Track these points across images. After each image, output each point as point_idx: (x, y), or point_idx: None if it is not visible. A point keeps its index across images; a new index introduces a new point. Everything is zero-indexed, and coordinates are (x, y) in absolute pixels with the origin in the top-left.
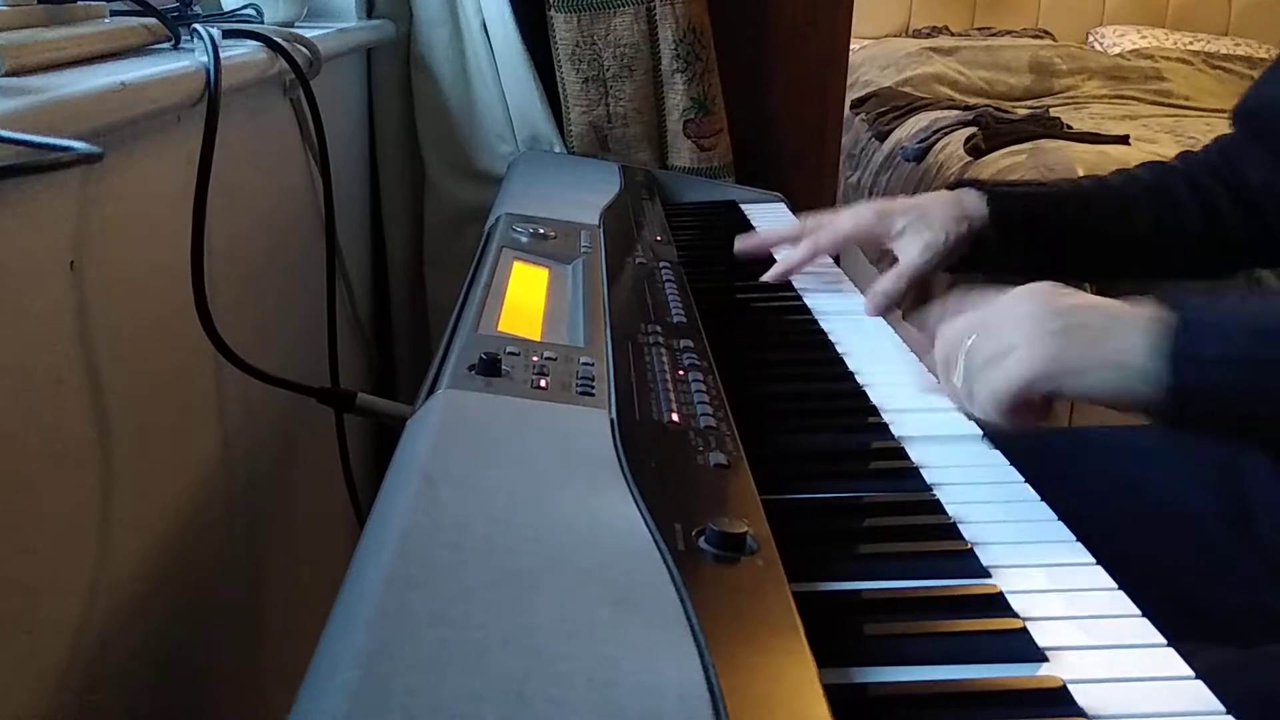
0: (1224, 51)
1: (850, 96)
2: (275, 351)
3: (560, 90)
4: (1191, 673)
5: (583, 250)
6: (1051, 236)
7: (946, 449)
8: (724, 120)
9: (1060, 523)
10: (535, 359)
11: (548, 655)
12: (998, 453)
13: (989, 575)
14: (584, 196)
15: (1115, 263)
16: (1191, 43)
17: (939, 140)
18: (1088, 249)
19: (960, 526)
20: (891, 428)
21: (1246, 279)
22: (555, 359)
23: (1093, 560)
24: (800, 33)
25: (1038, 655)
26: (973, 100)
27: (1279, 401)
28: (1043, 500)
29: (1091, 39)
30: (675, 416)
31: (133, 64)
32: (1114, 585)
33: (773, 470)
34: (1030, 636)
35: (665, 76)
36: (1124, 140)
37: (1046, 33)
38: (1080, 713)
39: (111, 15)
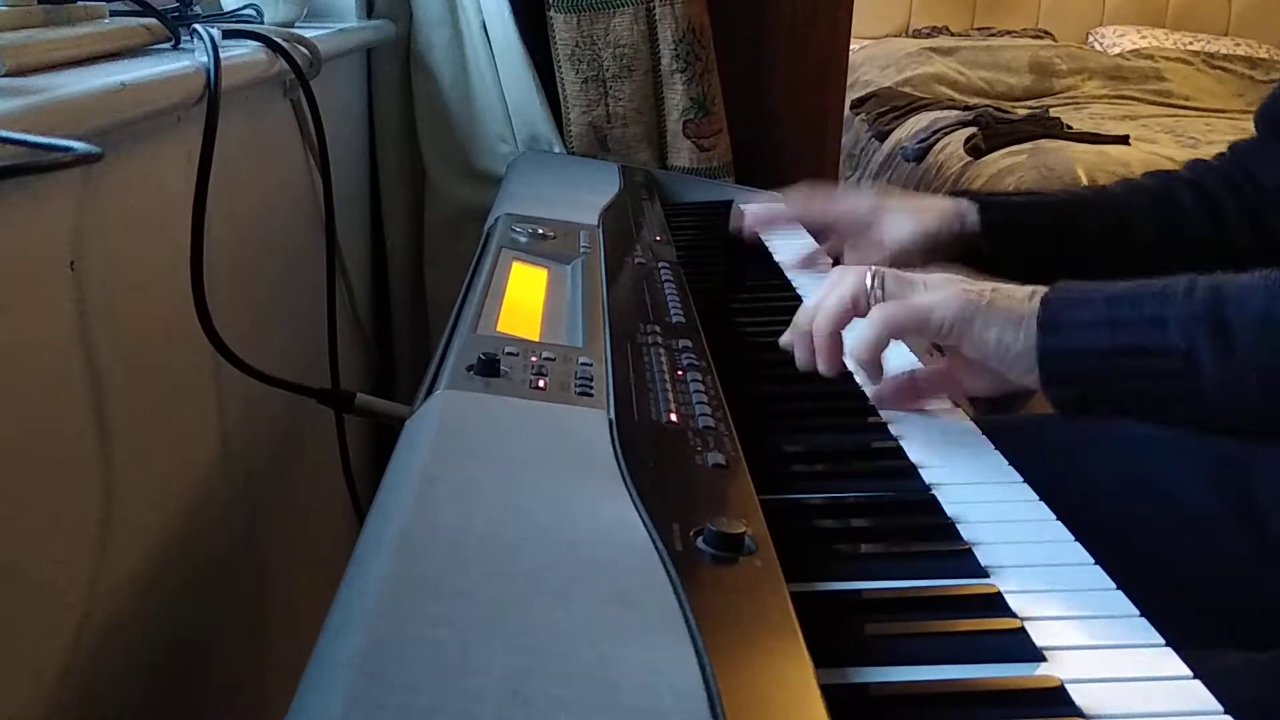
0: (1224, 51)
1: (850, 96)
2: (275, 351)
3: (560, 90)
4: (1189, 673)
5: (582, 250)
6: (1044, 244)
7: (945, 449)
8: (724, 120)
9: (1059, 522)
10: (534, 359)
11: (546, 655)
12: (997, 453)
13: (987, 575)
14: (583, 197)
15: (1113, 270)
16: (1191, 43)
17: (939, 140)
18: (1084, 259)
19: (958, 526)
20: (890, 427)
21: None
22: (554, 359)
23: (1091, 560)
24: (800, 33)
25: (1036, 655)
26: (973, 100)
27: (1139, 369)
28: (1042, 497)
29: (1091, 39)
30: (674, 417)
31: (133, 64)
32: (1112, 585)
33: (771, 470)
34: (1028, 636)
35: (665, 76)
36: (1124, 140)
37: (1046, 33)
38: (1078, 712)
39: (111, 15)
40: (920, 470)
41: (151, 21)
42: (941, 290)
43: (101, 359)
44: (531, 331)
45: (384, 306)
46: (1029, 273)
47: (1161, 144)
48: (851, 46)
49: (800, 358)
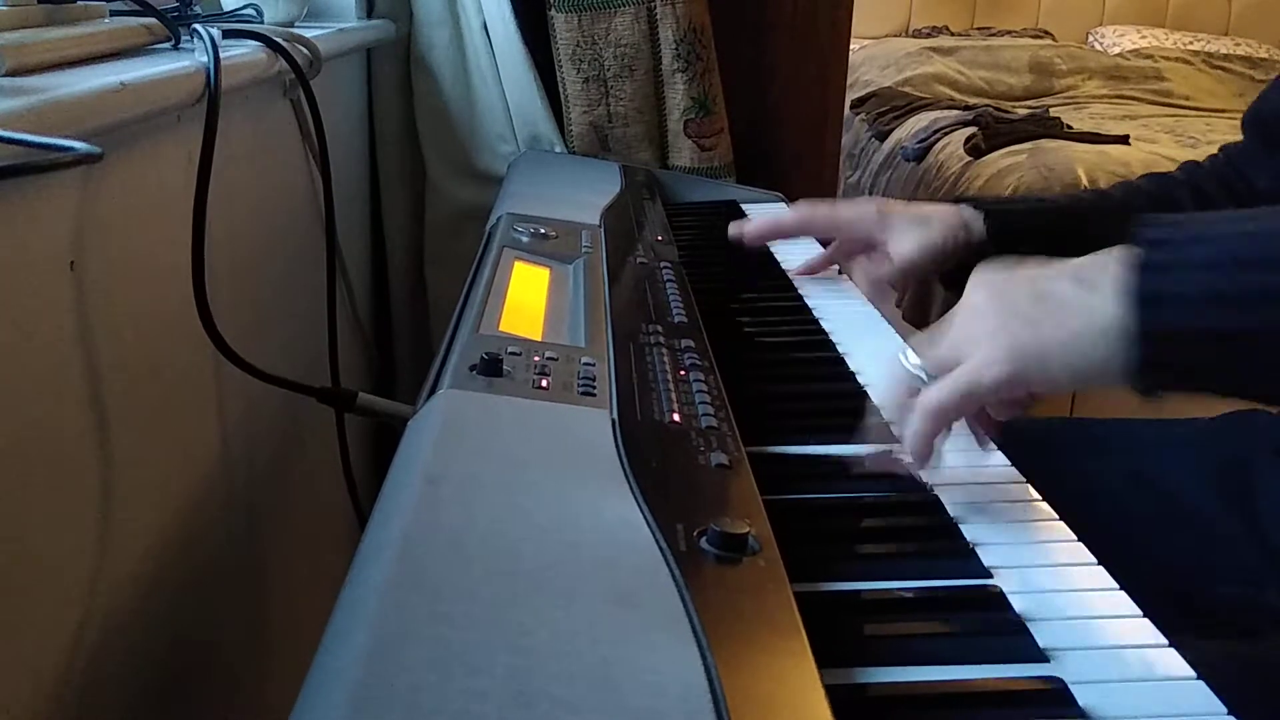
0: (1224, 51)
1: (850, 96)
2: (275, 351)
3: (561, 90)
4: (1193, 673)
5: (584, 250)
6: (1050, 250)
7: (947, 448)
8: (724, 120)
9: (1061, 522)
10: (536, 359)
11: (549, 655)
12: (999, 452)
13: (990, 575)
14: (585, 196)
15: None
16: (1191, 43)
17: (939, 140)
18: None
19: (961, 526)
20: (892, 428)
21: None
22: (556, 359)
23: (1094, 560)
24: (800, 33)
25: (1039, 655)
26: (973, 100)
27: (1265, 346)
28: (1045, 495)
29: (1091, 39)
30: (677, 416)
31: (133, 64)
32: (1115, 585)
33: (774, 470)
34: (1031, 636)
35: (666, 76)
36: (1124, 140)
37: (1046, 33)
38: (1081, 713)
39: (111, 15)
40: (922, 470)
41: (151, 21)
42: (985, 344)
43: (101, 359)
44: (534, 331)
45: (384, 306)
46: None
47: (1161, 144)
48: (851, 46)
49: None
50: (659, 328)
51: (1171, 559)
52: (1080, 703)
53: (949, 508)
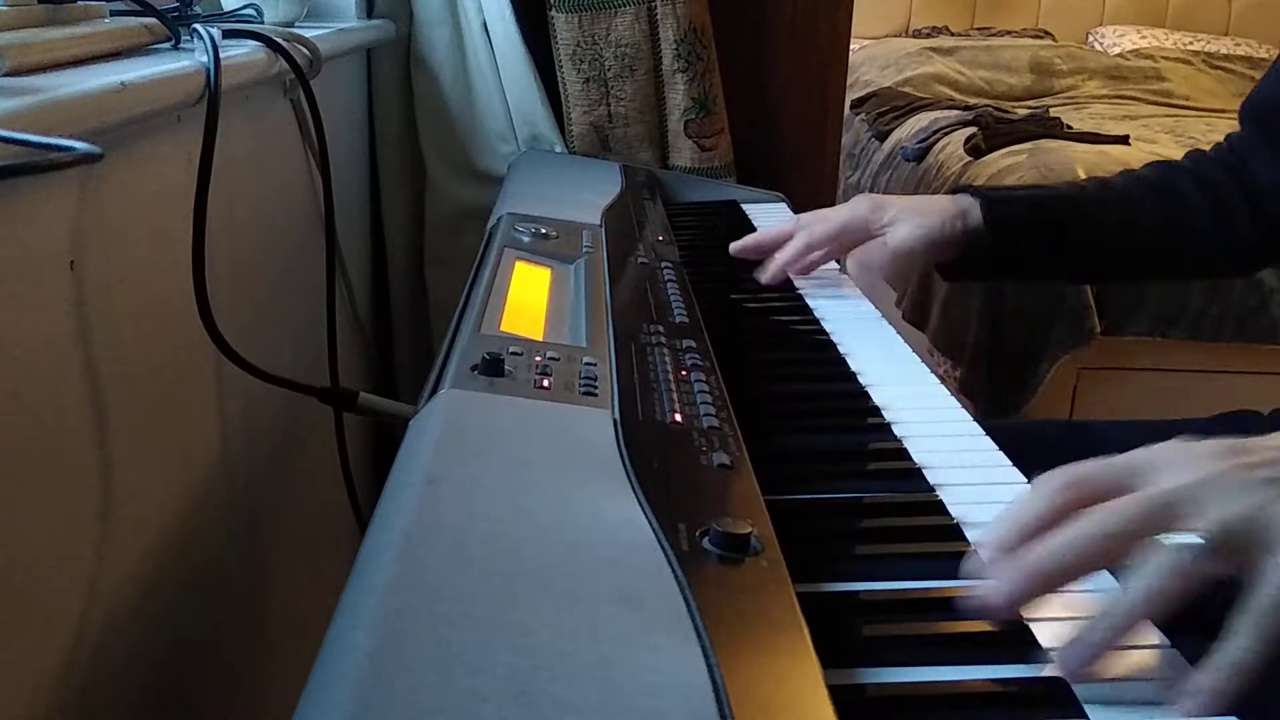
0: (1224, 51)
1: (850, 96)
2: (275, 351)
3: (561, 90)
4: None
5: (585, 250)
6: (1049, 239)
7: (949, 449)
8: (725, 120)
9: None
10: (538, 359)
11: (551, 655)
12: (1001, 454)
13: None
14: (585, 196)
15: (1118, 264)
16: (1191, 43)
17: (939, 140)
18: (1088, 251)
19: (963, 527)
20: (894, 428)
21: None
22: (558, 359)
23: None
24: (800, 33)
25: (1040, 656)
26: (973, 100)
27: None
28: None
29: (1091, 39)
30: (678, 417)
31: (133, 64)
32: (1116, 584)
33: (776, 470)
34: (1033, 637)
35: (666, 76)
36: (1124, 140)
37: (1046, 33)
38: (1082, 713)
39: (111, 15)
40: (924, 471)
41: (151, 21)
42: (1235, 500)
43: (101, 359)
44: (535, 331)
45: (384, 306)
46: (1034, 267)
47: (1161, 144)
48: (851, 46)
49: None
50: (660, 328)
51: None
52: (1081, 703)
53: (950, 508)
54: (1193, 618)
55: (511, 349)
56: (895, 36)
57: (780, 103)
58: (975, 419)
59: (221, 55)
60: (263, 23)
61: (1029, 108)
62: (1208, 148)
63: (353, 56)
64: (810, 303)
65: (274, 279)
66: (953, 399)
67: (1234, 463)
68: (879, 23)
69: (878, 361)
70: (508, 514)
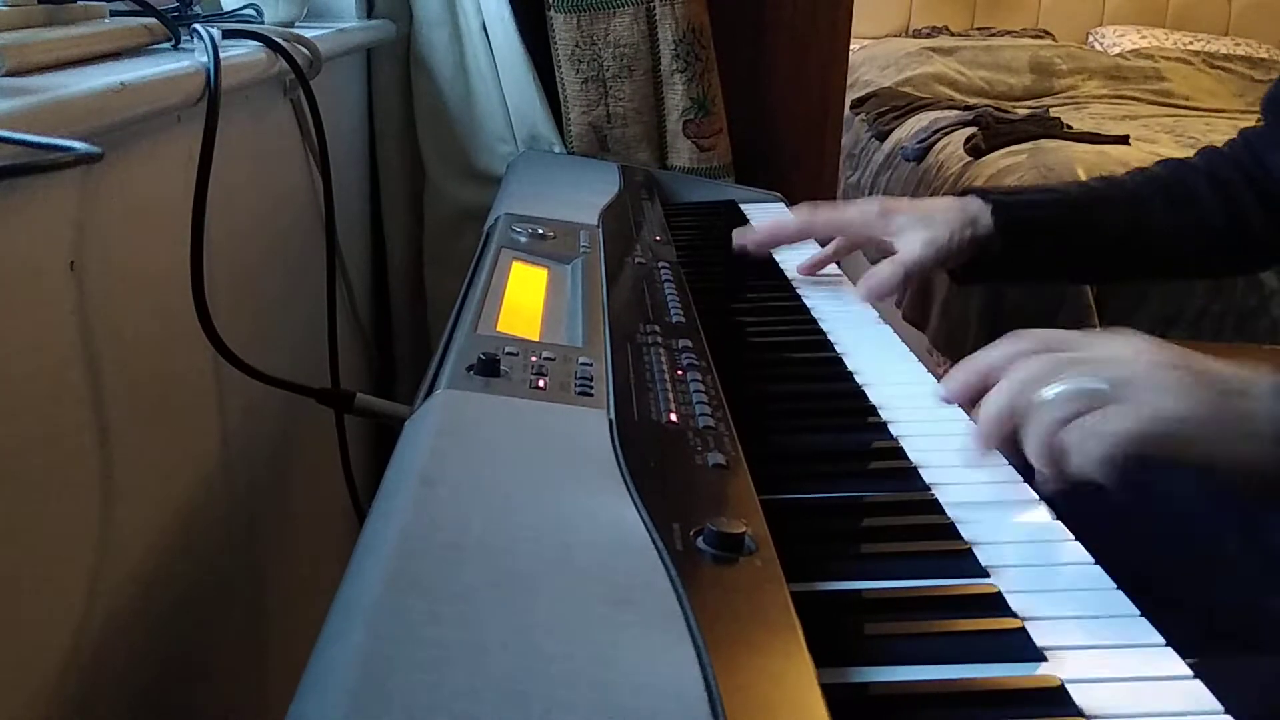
0: (1224, 51)
1: (850, 96)
2: (275, 351)
3: (560, 90)
4: (1190, 673)
5: (582, 250)
6: (1060, 241)
7: (945, 449)
8: (724, 120)
9: (1059, 522)
10: (534, 359)
11: (546, 655)
12: (997, 452)
13: (987, 575)
14: (583, 196)
15: (1129, 264)
16: (1191, 43)
17: (939, 140)
18: (1099, 252)
19: (959, 526)
20: (890, 428)
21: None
22: (554, 359)
23: (1091, 559)
24: (800, 33)
25: (1036, 655)
26: (973, 100)
27: None
28: (1042, 499)
29: (1091, 39)
30: (674, 416)
31: (133, 64)
32: (1112, 585)
33: (771, 470)
34: (1029, 636)
35: (665, 76)
36: (1124, 140)
37: (1046, 33)
38: (1078, 712)
39: (111, 15)
40: (920, 470)
41: (151, 21)
42: (1175, 392)
43: (101, 359)
44: (531, 331)
45: (384, 306)
46: (1045, 269)
47: (1161, 144)
48: (851, 46)
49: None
50: (657, 328)
51: (1170, 566)
52: (1077, 702)
53: (946, 508)
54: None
55: (507, 349)
56: (895, 36)
57: (780, 103)
58: (972, 418)
59: (221, 55)
60: (263, 23)
61: (1029, 108)
62: (1223, 145)
63: (353, 56)
64: (807, 302)
65: (274, 279)
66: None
67: (1147, 359)
68: (879, 23)
69: (874, 361)
70: (502, 514)
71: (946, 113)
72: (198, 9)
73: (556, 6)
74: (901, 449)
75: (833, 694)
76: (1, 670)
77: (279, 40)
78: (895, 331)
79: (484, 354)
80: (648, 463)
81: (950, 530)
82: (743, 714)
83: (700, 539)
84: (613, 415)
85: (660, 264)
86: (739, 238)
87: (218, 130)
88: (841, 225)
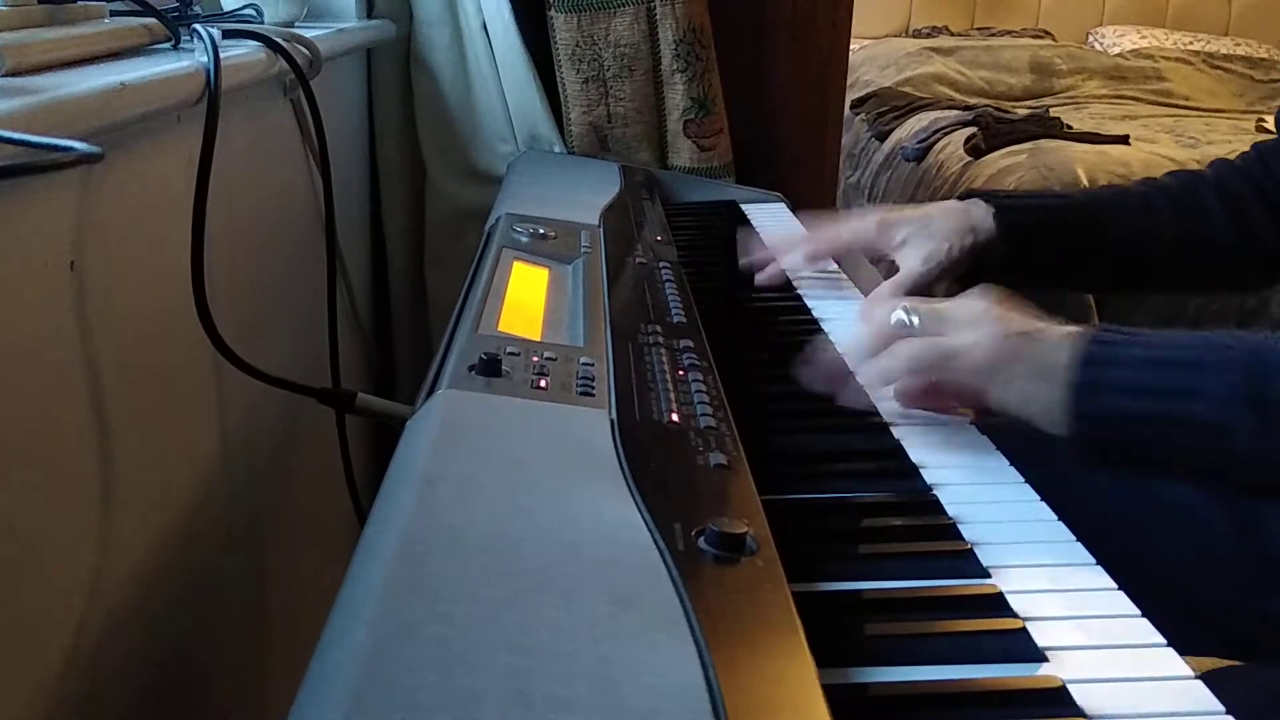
0: (1224, 51)
1: (850, 96)
2: (275, 351)
3: (560, 90)
4: (1191, 673)
5: (583, 250)
6: (1064, 247)
7: (946, 449)
8: (724, 120)
9: (1060, 523)
10: (535, 359)
11: (548, 655)
12: (998, 453)
13: (989, 575)
14: (584, 196)
15: (1133, 273)
16: (1191, 43)
17: (939, 140)
18: (1104, 261)
19: (960, 526)
20: (891, 428)
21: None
22: (555, 359)
23: (1093, 560)
24: (800, 33)
25: (1037, 655)
26: (973, 100)
27: (1172, 440)
28: (1043, 500)
29: (1091, 39)
30: (675, 417)
31: (133, 64)
32: (1114, 585)
33: (772, 470)
34: (1030, 636)
35: (665, 76)
36: (1124, 140)
37: (1046, 33)
38: (1080, 713)
39: (111, 15)
40: (921, 470)
41: (151, 21)
42: (976, 330)
43: (101, 359)
44: (533, 331)
45: (384, 306)
46: (1048, 276)
47: (1161, 144)
48: (851, 46)
49: (820, 386)
50: (658, 328)
51: (1168, 566)
52: (1079, 702)
53: (948, 508)
54: (1192, 627)
55: (509, 349)
56: (895, 36)
57: (780, 103)
58: (973, 420)
59: (221, 55)
60: (263, 23)
61: (1029, 108)
62: (1208, 148)
63: (353, 56)
64: (809, 302)
65: (274, 279)
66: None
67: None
68: (879, 23)
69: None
70: (505, 514)
71: (946, 113)
72: (198, 9)
73: (557, 6)
74: (902, 449)
75: (834, 694)
76: (1, 670)
77: (279, 40)
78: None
79: (486, 354)
80: (649, 463)
81: (952, 531)
82: (744, 714)
83: (702, 539)
84: (614, 415)
85: (661, 264)
86: (745, 256)
87: (218, 130)
88: (843, 245)
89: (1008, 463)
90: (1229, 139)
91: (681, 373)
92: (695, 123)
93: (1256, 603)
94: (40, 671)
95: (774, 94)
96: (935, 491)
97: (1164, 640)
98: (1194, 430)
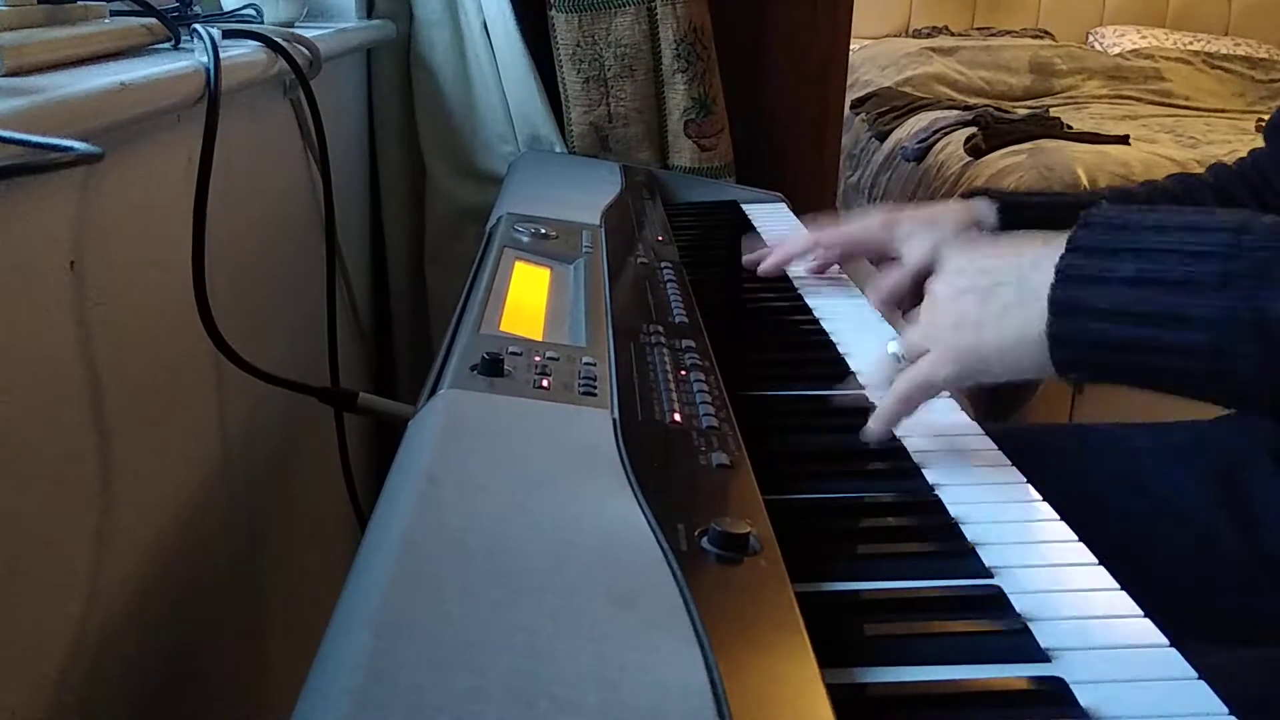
0: (1224, 51)
1: (850, 96)
2: (275, 351)
3: (561, 90)
4: (1194, 673)
5: (584, 250)
6: None
7: (949, 449)
8: (725, 120)
9: (1062, 522)
10: (537, 359)
11: (551, 655)
12: (1000, 453)
13: (991, 575)
14: (585, 196)
15: None
16: (1191, 43)
17: (939, 140)
18: None
19: (962, 526)
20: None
21: None
22: (557, 359)
23: (1095, 560)
24: (800, 33)
25: (1040, 655)
26: (973, 100)
27: (1161, 365)
28: (1044, 499)
29: (1091, 39)
30: (677, 416)
31: (133, 64)
32: (1116, 585)
33: (775, 470)
34: (1033, 637)
35: (666, 76)
36: (1124, 140)
37: (1046, 33)
38: (1082, 713)
39: (111, 15)
40: (924, 470)
41: (151, 21)
42: (938, 331)
43: (101, 359)
44: (534, 331)
45: (384, 306)
46: None
47: (1161, 144)
48: (851, 46)
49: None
50: (660, 328)
51: (1169, 566)
52: (1081, 703)
53: (950, 508)
54: (1191, 627)
55: (511, 349)
56: (895, 36)
57: (780, 103)
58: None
59: (221, 55)
60: (263, 23)
61: (1029, 108)
62: (1208, 148)
63: (353, 56)
64: (810, 302)
65: (274, 279)
66: (951, 398)
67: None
68: (879, 23)
69: (870, 351)
70: (507, 514)
71: (946, 113)
72: (198, 9)
73: (558, 6)
74: (905, 448)
75: (837, 694)
76: (2, 670)
77: (279, 40)
78: (898, 332)
79: (488, 354)
80: (652, 463)
81: (954, 531)
82: (748, 714)
83: (705, 539)
84: (617, 415)
85: (663, 264)
86: (749, 257)
87: (218, 130)
88: (848, 245)
89: (1009, 462)
90: (1229, 139)
91: (683, 372)
92: (696, 123)
93: (1256, 602)
94: (40, 672)
95: (774, 94)
96: (937, 491)
97: (1166, 640)
98: (1188, 356)
